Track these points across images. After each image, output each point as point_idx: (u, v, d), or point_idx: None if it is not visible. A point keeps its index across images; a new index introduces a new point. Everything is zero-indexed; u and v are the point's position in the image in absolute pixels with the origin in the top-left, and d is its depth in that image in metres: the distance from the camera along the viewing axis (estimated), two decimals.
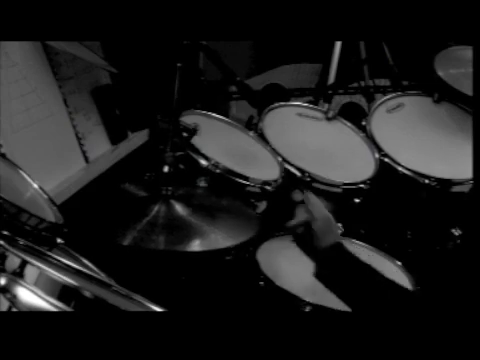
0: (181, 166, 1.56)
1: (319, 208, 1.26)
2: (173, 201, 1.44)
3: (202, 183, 1.69)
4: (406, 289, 1.16)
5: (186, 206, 1.44)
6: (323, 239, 1.22)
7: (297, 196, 1.29)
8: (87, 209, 1.45)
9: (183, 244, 1.31)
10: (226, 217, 1.48)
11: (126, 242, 1.27)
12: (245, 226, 1.45)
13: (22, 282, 0.84)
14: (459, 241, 1.86)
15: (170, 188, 1.45)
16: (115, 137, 1.90)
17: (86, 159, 1.76)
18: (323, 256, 1.21)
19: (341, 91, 2.64)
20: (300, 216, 1.27)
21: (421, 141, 2.01)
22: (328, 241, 1.21)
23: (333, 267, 1.20)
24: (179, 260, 1.53)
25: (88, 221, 1.37)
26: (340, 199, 1.84)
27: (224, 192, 1.64)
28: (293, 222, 1.27)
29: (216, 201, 1.58)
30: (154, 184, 1.49)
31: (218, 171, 1.69)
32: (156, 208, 1.41)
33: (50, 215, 1.24)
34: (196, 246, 1.31)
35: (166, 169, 1.44)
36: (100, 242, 1.30)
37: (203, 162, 1.70)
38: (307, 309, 1.51)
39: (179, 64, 1.42)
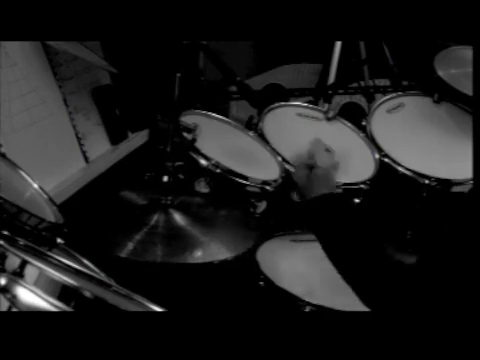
0: (180, 176, 1.57)
1: (324, 159, 1.34)
2: (172, 210, 1.44)
3: (201, 185, 1.69)
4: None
5: (185, 215, 1.45)
6: (318, 187, 1.28)
7: (297, 196, 1.29)
8: (86, 216, 1.44)
9: (182, 255, 1.31)
10: (225, 227, 1.48)
11: (124, 253, 1.27)
12: (244, 236, 1.46)
13: (22, 282, 0.84)
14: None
15: (169, 197, 1.45)
16: (115, 137, 1.90)
17: (86, 159, 1.76)
18: (313, 201, 1.27)
19: (341, 91, 2.63)
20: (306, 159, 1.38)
21: (421, 141, 2.01)
22: (322, 191, 1.26)
23: (321, 209, 1.25)
24: (178, 269, 1.53)
25: (87, 230, 1.37)
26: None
27: (223, 201, 1.64)
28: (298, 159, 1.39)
29: (215, 211, 1.58)
30: (153, 187, 1.49)
31: (218, 171, 1.69)
32: (155, 217, 1.41)
33: (50, 215, 1.24)
34: (195, 257, 1.31)
35: (165, 179, 1.45)
36: (99, 252, 1.30)
37: (203, 162, 1.70)
38: (307, 309, 1.50)
39: (178, 74, 1.43)
